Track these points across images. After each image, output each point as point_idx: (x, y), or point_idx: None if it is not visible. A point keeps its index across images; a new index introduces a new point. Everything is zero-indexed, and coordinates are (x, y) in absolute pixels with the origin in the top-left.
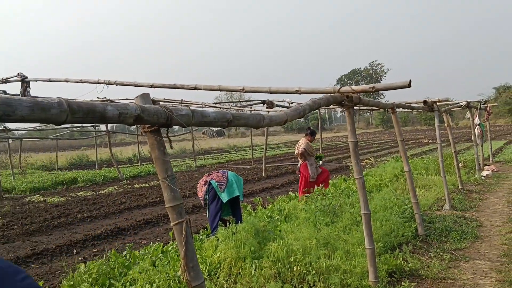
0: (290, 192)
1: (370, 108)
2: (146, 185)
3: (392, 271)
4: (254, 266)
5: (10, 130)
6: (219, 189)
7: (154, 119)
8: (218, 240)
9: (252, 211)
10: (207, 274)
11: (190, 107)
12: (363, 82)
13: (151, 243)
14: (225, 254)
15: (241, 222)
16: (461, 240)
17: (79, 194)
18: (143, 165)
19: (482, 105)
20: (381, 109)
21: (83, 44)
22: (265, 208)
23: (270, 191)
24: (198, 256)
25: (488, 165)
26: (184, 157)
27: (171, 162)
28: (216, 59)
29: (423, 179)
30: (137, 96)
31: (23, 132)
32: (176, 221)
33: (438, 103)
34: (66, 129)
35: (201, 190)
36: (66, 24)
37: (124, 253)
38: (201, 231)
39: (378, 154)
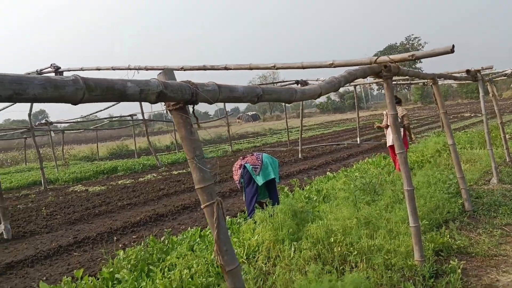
0: (328, 173)
1: (408, 82)
2: (184, 171)
3: (439, 249)
4: (293, 248)
5: (51, 123)
6: (254, 172)
7: (178, 95)
8: (255, 223)
9: (290, 192)
10: (245, 257)
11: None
12: None
13: (189, 228)
14: (263, 237)
15: (278, 204)
16: None
17: (119, 182)
18: (181, 151)
19: None
20: (420, 83)
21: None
22: (303, 189)
23: (307, 172)
24: (235, 239)
25: None
26: (220, 142)
27: (208, 147)
28: (248, 43)
29: (468, 153)
30: (160, 72)
31: (66, 125)
32: (206, 203)
33: (481, 72)
34: (105, 120)
35: (236, 174)
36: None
37: (162, 238)
38: (238, 214)
39: (418, 130)
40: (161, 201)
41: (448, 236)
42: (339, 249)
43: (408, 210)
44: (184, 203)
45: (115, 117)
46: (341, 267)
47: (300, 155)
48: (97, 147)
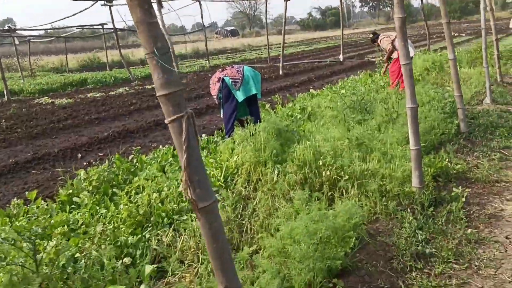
0: (311, 89)
1: None
2: None
3: (436, 174)
4: (276, 172)
5: (15, 29)
6: (234, 87)
7: None
8: (234, 142)
9: (271, 110)
10: (223, 180)
11: None
12: None
13: (161, 147)
14: (243, 158)
15: (260, 123)
16: (509, 137)
17: (89, 95)
18: None
19: None
20: None
21: None
22: (285, 107)
23: (289, 90)
24: (212, 160)
25: None
26: (197, 57)
27: (184, 62)
28: None
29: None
30: None
31: (34, 33)
32: (172, 117)
33: None
34: (74, 29)
35: (214, 88)
36: None
37: (130, 157)
38: (216, 132)
39: None
40: (132, 116)
41: (446, 160)
42: (328, 173)
43: (410, 131)
44: (157, 119)
45: (85, 26)
46: (330, 193)
47: (281, 71)
48: (66, 57)
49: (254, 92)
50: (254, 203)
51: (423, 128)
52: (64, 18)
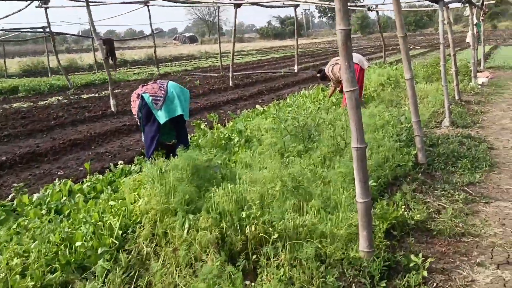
0: (257, 106)
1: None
2: (96, 95)
3: (391, 226)
4: (187, 225)
5: None
6: (154, 106)
7: None
8: (139, 183)
9: (209, 130)
10: (121, 233)
11: None
12: None
13: (58, 180)
14: (147, 204)
15: (187, 148)
16: (473, 170)
17: (14, 105)
18: (99, 72)
19: (482, 1)
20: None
21: None
22: (225, 125)
23: (236, 103)
24: (112, 202)
25: (481, 72)
26: (150, 64)
27: (133, 69)
28: None
29: None
30: None
31: None
32: None
33: None
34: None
35: (134, 106)
36: None
37: (9, 197)
38: (136, 158)
39: None
40: (51, 133)
41: (402, 203)
42: (254, 229)
43: (356, 179)
44: (77, 137)
45: (22, 29)
46: (254, 256)
47: (231, 82)
48: (5, 61)
49: (179, 112)
50: (153, 272)
51: (376, 160)
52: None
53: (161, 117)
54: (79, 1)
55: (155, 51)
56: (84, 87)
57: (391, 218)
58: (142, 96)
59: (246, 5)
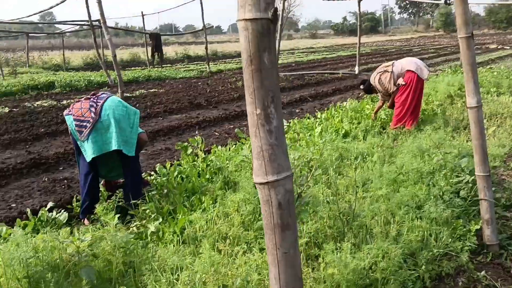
0: (290, 120)
1: None
2: (129, 94)
3: None
4: None
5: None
6: (78, 135)
7: None
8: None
9: (196, 157)
10: None
11: None
12: None
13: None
14: None
15: (135, 191)
16: None
17: (36, 104)
18: (150, 68)
19: None
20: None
21: None
22: (229, 149)
23: None
24: None
25: None
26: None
27: (183, 65)
28: None
29: (493, 103)
30: None
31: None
32: None
33: None
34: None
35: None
36: None
37: None
38: (74, 201)
39: (432, 61)
40: (37, 143)
41: None
42: None
43: None
44: (58, 151)
45: (71, 21)
46: None
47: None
48: (63, 54)
49: (114, 147)
50: None
51: (407, 243)
52: (51, 8)
53: (87, 151)
54: None
55: (206, 47)
56: (126, 83)
57: None
58: (65, 119)
59: None
